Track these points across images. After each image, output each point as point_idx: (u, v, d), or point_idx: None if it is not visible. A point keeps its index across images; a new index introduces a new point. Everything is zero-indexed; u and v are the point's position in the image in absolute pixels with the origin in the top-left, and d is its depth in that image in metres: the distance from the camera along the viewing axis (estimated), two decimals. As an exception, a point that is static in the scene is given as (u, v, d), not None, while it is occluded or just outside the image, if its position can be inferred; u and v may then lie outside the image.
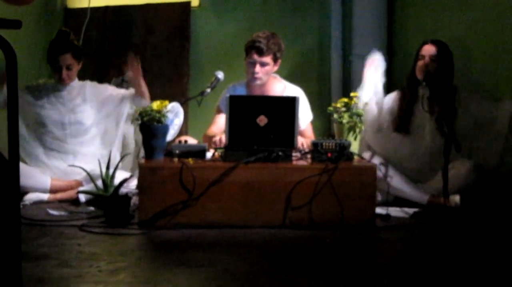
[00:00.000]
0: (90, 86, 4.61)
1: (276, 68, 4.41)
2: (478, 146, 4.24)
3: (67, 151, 4.48)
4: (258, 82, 4.37)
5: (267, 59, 4.32)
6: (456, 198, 4.07)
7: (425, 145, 4.33)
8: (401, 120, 4.35)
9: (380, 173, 4.06)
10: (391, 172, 4.22)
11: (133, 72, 4.50)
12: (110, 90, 4.68)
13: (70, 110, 4.51)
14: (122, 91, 4.67)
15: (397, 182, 4.23)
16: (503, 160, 4.12)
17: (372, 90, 4.33)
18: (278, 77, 4.56)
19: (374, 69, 4.33)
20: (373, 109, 4.37)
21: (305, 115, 4.50)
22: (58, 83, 4.52)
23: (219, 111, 4.53)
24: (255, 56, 4.31)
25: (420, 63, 4.33)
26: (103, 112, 4.56)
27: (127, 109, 4.53)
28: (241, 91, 4.48)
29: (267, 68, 4.35)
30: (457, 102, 4.29)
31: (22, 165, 4.16)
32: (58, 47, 4.47)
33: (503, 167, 4.12)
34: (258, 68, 4.33)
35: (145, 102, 4.40)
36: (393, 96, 4.49)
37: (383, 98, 4.47)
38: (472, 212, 3.96)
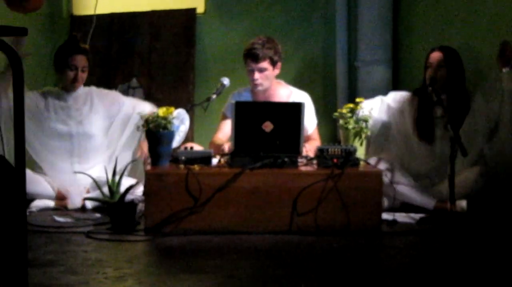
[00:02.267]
0: (96, 92, 4.59)
1: (277, 71, 4.42)
2: (487, 150, 4.23)
3: (74, 162, 4.47)
4: (259, 88, 4.39)
5: (264, 64, 4.34)
6: (463, 203, 4.06)
7: (435, 150, 4.33)
8: (424, 128, 4.34)
9: (386, 179, 4.05)
10: (397, 177, 4.21)
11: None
12: (116, 95, 4.69)
13: (77, 122, 4.49)
14: (128, 99, 4.68)
15: (403, 188, 4.22)
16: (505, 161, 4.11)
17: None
18: (283, 82, 4.57)
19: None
20: (380, 112, 4.41)
21: (311, 120, 4.51)
22: (64, 88, 4.49)
23: (224, 118, 4.53)
24: (252, 64, 4.33)
25: (428, 71, 4.34)
26: (110, 119, 4.55)
27: (133, 116, 4.50)
28: (246, 96, 4.49)
29: (266, 73, 4.36)
30: (471, 107, 4.28)
31: (28, 172, 4.17)
32: (73, 48, 4.44)
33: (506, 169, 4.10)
34: (256, 75, 4.34)
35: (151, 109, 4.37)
36: (404, 96, 4.48)
37: (388, 97, 4.51)
38: (478, 217, 3.95)
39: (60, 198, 4.32)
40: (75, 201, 4.27)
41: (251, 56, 4.32)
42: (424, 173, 4.36)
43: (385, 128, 4.45)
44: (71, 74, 4.42)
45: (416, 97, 4.43)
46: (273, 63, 4.37)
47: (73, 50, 4.43)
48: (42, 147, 4.44)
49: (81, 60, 4.42)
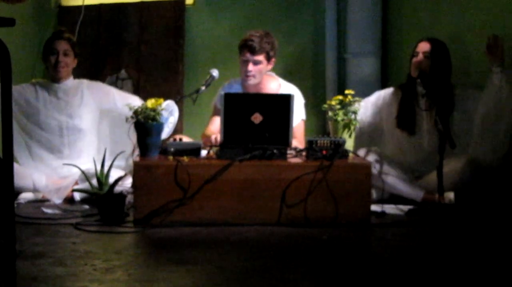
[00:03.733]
0: (87, 85, 4.57)
1: (270, 67, 4.42)
2: (475, 142, 4.25)
3: (63, 156, 4.46)
4: (251, 81, 4.38)
5: (260, 57, 4.33)
6: (451, 195, 4.08)
7: (422, 143, 4.34)
8: (405, 119, 4.37)
9: (375, 170, 4.07)
10: (386, 169, 4.22)
11: None
12: (107, 88, 4.67)
13: (67, 115, 4.48)
14: (118, 93, 4.65)
15: (392, 179, 4.23)
16: (496, 156, 4.14)
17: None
18: (273, 75, 4.56)
19: None
20: (367, 105, 4.43)
21: (297, 113, 4.49)
22: (52, 78, 4.49)
23: (215, 109, 4.52)
24: (248, 55, 4.32)
25: (414, 60, 4.36)
26: (100, 112, 4.54)
27: (122, 108, 4.48)
28: (237, 88, 4.48)
29: (260, 66, 4.35)
30: (455, 99, 4.31)
31: (16, 166, 4.16)
32: (54, 36, 4.51)
33: (496, 163, 4.13)
34: (251, 66, 4.33)
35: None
36: (389, 91, 4.52)
37: (376, 94, 4.54)
38: (466, 208, 3.97)
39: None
40: (54, 199, 4.25)
41: (248, 47, 4.30)
42: (412, 165, 4.38)
43: (370, 125, 4.48)
44: (52, 58, 4.44)
45: (400, 90, 4.46)
46: (269, 58, 4.37)
47: (54, 38, 4.49)
48: (32, 140, 4.43)
49: (62, 44, 4.45)
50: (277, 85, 4.51)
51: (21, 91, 4.44)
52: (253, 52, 4.30)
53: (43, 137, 4.45)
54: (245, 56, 4.33)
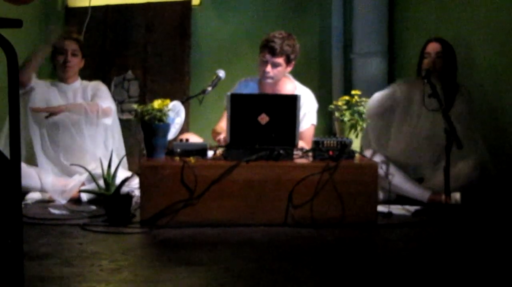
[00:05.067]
0: (91, 87, 4.62)
1: (289, 69, 4.40)
2: (479, 149, 4.26)
3: (74, 152, 4.48)
4: (269, 80, 4.36)
5: (280, 60, 4.31)
6: (457, 195, 4.07)
7: (428, 143, 4.33)
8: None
9: (381, 171, 4.06)
10: (392, 170, 4.22)
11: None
12: (102, 91, 4.66)
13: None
14: (103, 95, 4.65)
15: (398, 180, 4.23)
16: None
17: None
18: (290, 77, 4.54)
19: None
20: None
21: (308, 117, 4.48)
22: (61, 78, 4.53)
23: None
24: (268, 56, 4.30)
25: (426, 61, 4.34)
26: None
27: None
28: (253, 87, 4.47)
29: (279, 68, 4.33)
30: (456, 99, 4.31)
31: (23, 165, 4.18)
32: (64, 36, 4.56)
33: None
34: (269, 68, 4.32)
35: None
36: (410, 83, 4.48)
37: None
38: (473, 209, 3.96)
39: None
40: (59, 199, 4.27)
41: (269, 49, 4.28)
42: (420, 165, 4.37)
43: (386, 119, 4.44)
44: (61, 57, 4.52)
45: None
46: (288, 61, 4.35)
47: (64, 37, 4.54)
48: (41, 138, 4.47)
49: (70, 44, 4.52)
50: (292, 87, 4.49)
51: (41, 86, 4.50)
52: (273, 54, 4.28)
53: (55, 133, 4.47)
54: (265, 57, 4.31)
